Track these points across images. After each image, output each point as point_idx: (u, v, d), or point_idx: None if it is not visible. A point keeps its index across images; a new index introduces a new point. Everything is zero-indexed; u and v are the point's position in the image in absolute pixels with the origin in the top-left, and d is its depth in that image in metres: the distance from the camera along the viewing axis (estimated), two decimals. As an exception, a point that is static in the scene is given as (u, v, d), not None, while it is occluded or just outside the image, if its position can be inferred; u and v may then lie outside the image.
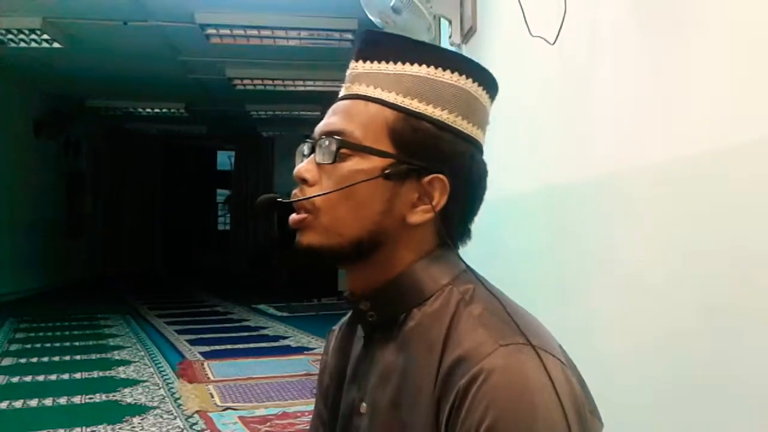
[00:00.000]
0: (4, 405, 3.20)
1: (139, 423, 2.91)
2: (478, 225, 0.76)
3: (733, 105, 1.02)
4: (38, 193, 8.24)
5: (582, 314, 1.59)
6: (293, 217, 0.71)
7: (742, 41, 1.01)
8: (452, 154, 0.69)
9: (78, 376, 3.86)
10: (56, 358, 4.37)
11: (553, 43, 1.67)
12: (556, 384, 0.59)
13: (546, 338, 0.65)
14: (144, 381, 3.69)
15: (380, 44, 0.72)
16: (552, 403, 0.59)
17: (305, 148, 0.74)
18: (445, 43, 2.95)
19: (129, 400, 3.30)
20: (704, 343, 1.09)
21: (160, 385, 3.59)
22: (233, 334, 5.46)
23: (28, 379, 3.78)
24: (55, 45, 5.75)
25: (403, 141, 0.68)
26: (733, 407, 1.01)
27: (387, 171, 0.68)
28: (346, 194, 0.68)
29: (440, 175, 0.68)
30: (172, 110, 9.01)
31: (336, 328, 0.86)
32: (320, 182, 0.70)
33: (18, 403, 3.24)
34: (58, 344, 4.92)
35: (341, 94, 0.73)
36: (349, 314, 0.81)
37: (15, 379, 3.76)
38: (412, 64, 0.69)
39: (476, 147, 0.72)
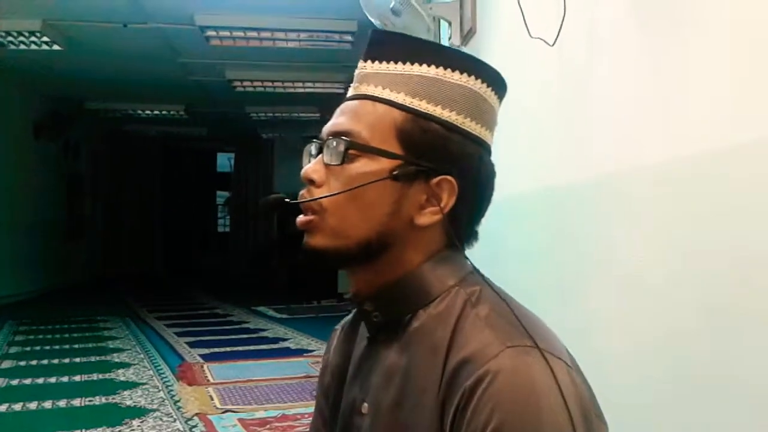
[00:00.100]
0: (3, 408, 3.20)
1: (138, 426, 2.91)
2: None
3: (733, 104, 1.02)
4: (38, 195, 8.25)
5: (581, 314, 1.59)
6: (300, 218, 0.70)
7: (741, 40, 1.01)
8: (461, 156, 0.69)
9: (77, 378, 3.85)
10: (56, 361, 4.37)
11: (553, 45, 1.67)
12: (563, 387, 0.59)
13: (553, 341, 0.64)
14: (143, 383, 3.69)
15: (388, 44, 0.71)
16: (558, 406, 0.58)
17: (312, 148, 0.73)
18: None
19: (128, 402, 3.30)
20: (704, 343, 1.08)
21: (160, 388, 3.59)
22: (233, 337, 5.46)
23: (28, 381, 3.77)
24: (55, 47, 5.75)
25: (411, 142, 0.68)
26: (733, 407, 1.01)
27: (395, 172, 0.67)
28: (353, 195, 0.67)
29: (448, 177, 0.68)
30: (171, 112, 9.00)
31: (339, 327, 0.85)
32: (328, 183, 0.69)
33: (17, 406, 3.23)
34: (57, 347, 4.91)
35: (349, 94, 0.73)
36: (353, 314, 0.81)
37: (14, 382, 3.75)
38: (420, 64, 0.69)
39: (484, 148, 0.72)
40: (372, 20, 2.93)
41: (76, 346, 4.92)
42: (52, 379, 3.82)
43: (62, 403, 3.29)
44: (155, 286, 9.71)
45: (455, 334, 0.65)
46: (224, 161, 13.15)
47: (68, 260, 9.31)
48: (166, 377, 3.86)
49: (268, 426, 2.93)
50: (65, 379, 3.84)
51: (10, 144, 7.47)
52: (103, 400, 3.36)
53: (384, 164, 0.67)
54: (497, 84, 0.73)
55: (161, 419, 3.01)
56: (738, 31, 1.02)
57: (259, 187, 11.49)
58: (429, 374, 0.65)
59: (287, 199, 0.73)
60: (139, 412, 3.11)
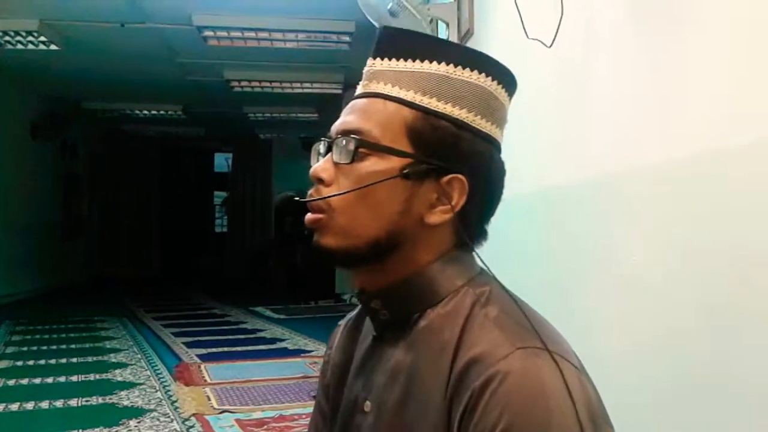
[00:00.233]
0: (0, 408, 3.19)
1: (135, 426, 2.90)
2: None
3: (732, 104, 1.02)
4: (35, 196, 8.23)
5: (581, 314, 1.59)
6: (309, 216, 0.69)
7: (740, 40, 1.01)
8: (471, 154, 0.68)
9: (74, 378, 3.84)
10: (53, 361, 4.35)
11: (550, 46, 1.67)
12: (572, 390, 0.59)
13: (562, 343, 0.64)
14: (141, 384, 3.68)
15: (398, 41, 0.70)
16: (567, 409, 0.58)
17: (321, 146, 0.73)
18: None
19: (126, 403, 3.29)
20: (703, 343, 1.08)
21: (157, 388, 3.58)
22: (230, 337, 5.44)
23: (25, 381, 3.76)
24: (53, 47, 5.73)
25: (421, 140, 0.67)
26: (732, 407, 1.01)
27: (405, 171, 0.67)
28: (363, 194, 0.67)
29: (459, 175, 0.67)
30: (169, 112, 8.99)
31: (342, 323, 0.85)
32: (337, 182, 0.68)
33: (14, 406, 3.22)
34: (54, 347, 4.90)
35: (358, 91, 0.72)
36: (357, 311, 0.81)
37: (11, 382, 3.74)
38: (431, 61, 0.68)
39: (495, 146, 0.71)
40: (371, 21, 2.94)
41: (74, 346, 4.91)
42: (49, 380, 3.81)
43: (59, 404, 3.28)
44: (152, 287, 9.68)
45: (464, 334, 0.64)
46: (222, 161, 13.12)
47: (65, 260, 9.29)
48: (163, 377, 3.85)
49: (265, 426, 2.93)
50: (62, 379, 3.83)
51: (7, 144, 7.45)
52: (100, 400, 3.35)
53: (394, 163, 0.67)
54: (507, 81, 0.72)
55: (158, 419, 3.00)
56: (736, 30, 1.02)
57: (256, 188, 11.49)
58: (436, 374, 0.64)
59: (296, 198, 0.73)
60: (136, 413, 3.10)
